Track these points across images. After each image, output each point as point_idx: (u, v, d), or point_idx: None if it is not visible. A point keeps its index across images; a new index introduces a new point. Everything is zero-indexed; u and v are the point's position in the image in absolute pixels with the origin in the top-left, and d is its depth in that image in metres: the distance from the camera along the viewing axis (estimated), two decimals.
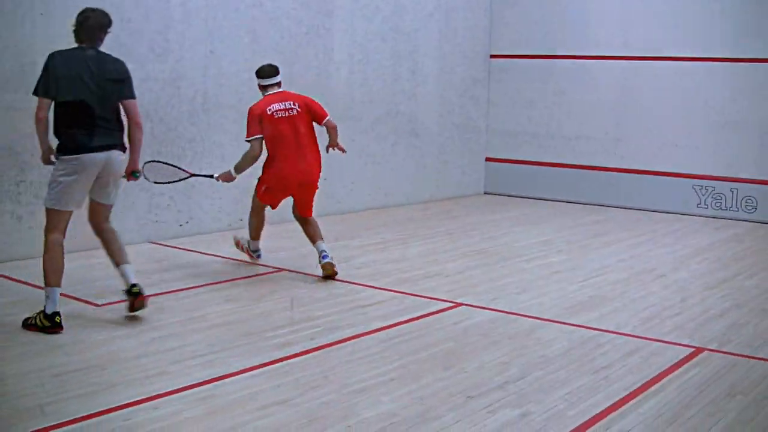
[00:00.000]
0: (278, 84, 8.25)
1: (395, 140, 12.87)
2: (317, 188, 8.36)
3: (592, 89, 13.51)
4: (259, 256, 8.72)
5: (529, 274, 8.60)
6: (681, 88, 12.67)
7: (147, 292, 6.86)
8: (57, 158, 6.47)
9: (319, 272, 8.21)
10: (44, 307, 6.38)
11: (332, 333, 6.43)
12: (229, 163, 10.03)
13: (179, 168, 8.35)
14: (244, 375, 5.51)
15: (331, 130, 8.17)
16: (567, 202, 13.58)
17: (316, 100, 8.31)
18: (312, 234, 8.28)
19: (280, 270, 8.47)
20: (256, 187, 8.38)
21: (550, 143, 13.94)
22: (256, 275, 8.24)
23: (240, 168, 8.19)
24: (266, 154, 8.17)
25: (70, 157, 6.40)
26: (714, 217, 12.33)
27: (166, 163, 8.33)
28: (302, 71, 11.26)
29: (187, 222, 10.03)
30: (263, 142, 8.03)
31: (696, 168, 12.58)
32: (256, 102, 8.22)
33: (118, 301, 7.12)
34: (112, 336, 6.26)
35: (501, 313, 7.09)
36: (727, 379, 5.64)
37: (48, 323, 6.32)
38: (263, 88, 8.28)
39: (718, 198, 12.38)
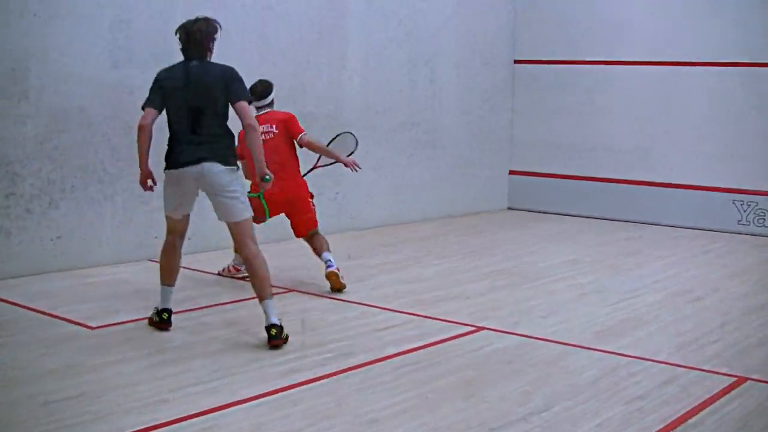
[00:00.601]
0: (270, 104, 8.66)
1: (412, 152, 12.85)
2: (309, 203, 8.63)
3: (622, 97, 13.47)
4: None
5: (556, 296, 8.56)
6: (718, 94, 12.61)
7: (140, 314, 7.02)
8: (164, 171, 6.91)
9: (332, 293, 8.22)
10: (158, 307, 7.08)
11: (344, 359, 6.40)
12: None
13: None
14: (249, 403, 5.48)
15: (312, 148, 8.64)
16: (596, 218, 13.53)
17: (295, 117, 8.67)
18: (318, 246, 8.54)
19: (290, 290, 8.45)
20: None
21: (578, 155, 13.89)
22: None
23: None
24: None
25: (167, 171, 6.84)
26: (756, 235, 12.25)
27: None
28: (314, 78, 11.26)
29: (189, 238, 9.96)
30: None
31: (736, 181, 12.50)
32: None
33: (114, 324, 7.11)
34: (107, 361, 6.24)
35: (525, 338, 7.05)
36: None
37: (157, 318, 7.04)
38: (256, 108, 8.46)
39: (761, 214, 12.30)
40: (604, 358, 6.58)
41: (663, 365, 6.43)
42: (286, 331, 6.72)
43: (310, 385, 5.85)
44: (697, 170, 12.82)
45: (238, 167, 6.91)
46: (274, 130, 8.49)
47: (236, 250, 8.71)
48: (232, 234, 7.01)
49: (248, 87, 7.65)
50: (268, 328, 6.71)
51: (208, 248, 10.09)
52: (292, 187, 8.53)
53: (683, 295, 8.66)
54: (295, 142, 8.56)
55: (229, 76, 6.85)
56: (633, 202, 13.33)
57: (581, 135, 13.86)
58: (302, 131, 8.55)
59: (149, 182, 6.92)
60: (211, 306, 7.81)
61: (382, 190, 12.43)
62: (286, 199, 8.47)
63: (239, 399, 5.55)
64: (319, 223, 8.72)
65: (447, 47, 13.23)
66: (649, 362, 6.49)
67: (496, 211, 14.34)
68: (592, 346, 6.86)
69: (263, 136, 8.16)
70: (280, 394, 5.67)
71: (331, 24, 11.44)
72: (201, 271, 9.16)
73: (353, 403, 5.53)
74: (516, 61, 14.39)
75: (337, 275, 8.34)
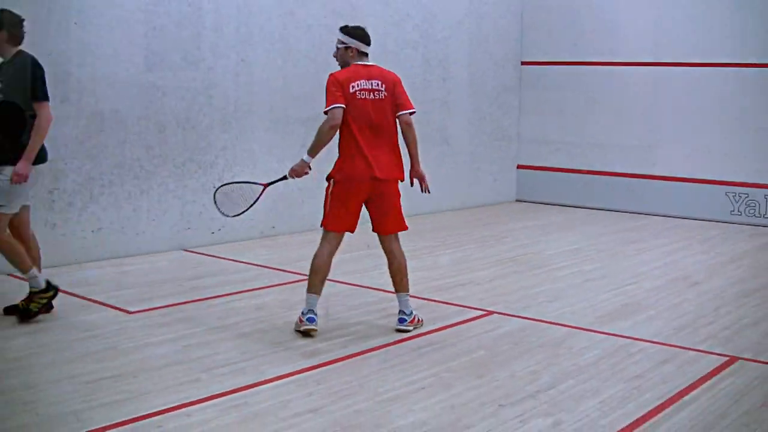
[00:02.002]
0: (367, 55, 6.78)
1: (426, 148, 12.79)
2: (399, 192, 6.76)
3: (624, 96, 13.44)
4: (310, 320, 6.56)
5: (561, 282, 8.57)
6: (714, 94, 12.58)
7: (175, 300, 7.14)
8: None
9: (352, 280, 8.25)
10: (34, 288, 6.78)
11: (364, 341, 6.43)
12: (262, 171, 10.08)
13: (249, 182, 7.00)
14: (276, 383, 5.53)
15: (411, 136, 6.75)
16: (599, 209, 13.51)
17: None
18: (394, 276, 6.82)
19: None
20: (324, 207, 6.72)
21: (581, 150, 13.88)
22: (288, 283, 8.26)
23: (314, 147, 6.50)
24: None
25: (36, 166, 6.72)
26: (748, 224, 12.22)
27: (233, 183, 7.04)
28: None
29: (219, 229, 10.07)
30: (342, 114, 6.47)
31: (730, 175, 12.48)
32: (337, 71, 6.67)
33: (150, 309, 7.17)
34: (143, 343, 6.30)
35: (533, 322, 7.07)
36: (762, 388, 5.59)
37: (51, 293, 6.81)
38: (358, 54, 6.72)
39: (752, 205, 12.28)
40: (606, 339, 6.59)
41: (661, 346, 6.44)
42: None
43: (332, 365, 5.89)
44: (694, 165, 12.79)
45: None
46: (384, 92, 6.60)
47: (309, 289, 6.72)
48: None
49: (352, 34, 6.76)
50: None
51: (235, 239, 10.15)
52: (387, 170, 6.62)
53: (680, 281, 8.66)
54: (399, 115, 6.66)
55: (24, 69, 6.67)
56: (634, 194, 13.31)
57: (585, 131, 13.84)
58: (413, 107, 6.71)
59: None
60: (239, 292, 7.85)
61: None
62: (371, 177, 6.53)
63: (266, 378, 5.59)
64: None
65: (458, 49, 13.22)
66: (648, 343, 6.50)
67: (505, 203, 14.33)
68: (594, 329, 6.88)
69: (370, 95, 6.55)
70: (304, 374, 5.70)
71: None
72: (229, 260, 9.21)
73: (373, 382, 5.57)
74: (523, 63, 14.37)
75: (404, 331, 6.72)
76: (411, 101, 6.73)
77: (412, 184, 6.85)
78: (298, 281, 8.32)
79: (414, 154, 6.76)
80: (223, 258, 9.32)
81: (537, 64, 14.27)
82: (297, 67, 10.79)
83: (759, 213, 12.24)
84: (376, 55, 11.75)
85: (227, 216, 6.90)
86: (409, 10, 12.31)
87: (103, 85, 8.93)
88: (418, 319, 6.85)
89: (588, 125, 13.81)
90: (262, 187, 6.84)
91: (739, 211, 12.40)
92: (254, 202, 6.85)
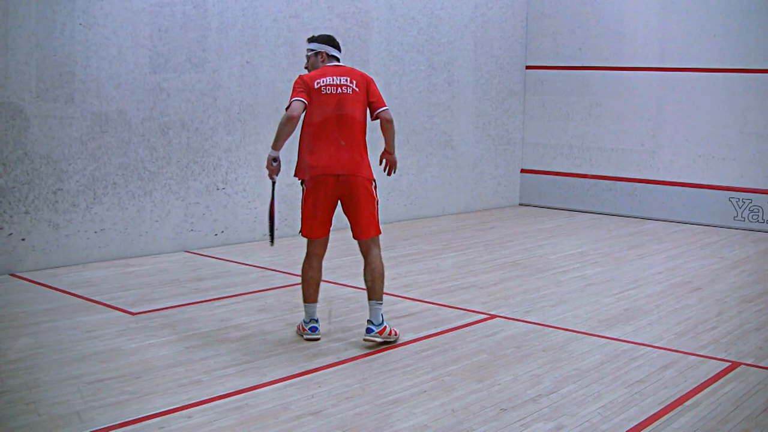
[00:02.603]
0: (338, 59, 6.68)
1: (431, 152, 12.87)
2: (372, 193, 6.50)
3: (628, 100, 13.44)
4: (313, 330, 6.59)
5: (564, 286, 8.55)
6: (718, 99, 12.58)
7: (177, 301, 6.97)
8: None
9: (354, 283, 8.24)
10: None
11: (365, 344, 6.41)
12: (265, 173, 10.08)
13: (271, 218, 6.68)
14: (277, 385, 5.52)
15: (389, 130, 6.59)
16: (602, 214, 13.51)
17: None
18: (366, 281, 6.57)
19: None
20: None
21: (585, 155, 13.88)
22: (290, 285, 8.24)
23: (276, 140, 6.46)
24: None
25: None
26: (751, 230, 12.20)
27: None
28: None
29: (222, 231, 10.07)
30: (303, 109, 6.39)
31: (733, 180, 12.47)
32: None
33: (153, 310, 7.17)
34: (146, 345, 6.29)
35: (535, 326, 7.06)
36: (764, 394, 5.57)
37: None
38: (328, 58, 6.66)
39: (755, 211, 12.26)
40: (608, 344, 6.58)
41: (663, 351, 6.43)
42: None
43: (334, 368, 5.88)
44: (697, 170, 12.80)
45: None
46: (354, 87, 6.47)
47: (305, 299, 6.69)
48: None
49: (319, 40, 6.67)
50: None
51: (238, 240, 10.15)
52: (352, 166, 6.42)
53: (683, 286, 8.64)
54: (379, 113, 6.52)
55: None
56: (637, 199, 13.32)
57: (588, 136, 13.85)
58: (386, 105, 6.57)
59: None
60: (241, 294, 7.85)
61: (402, 188, 12.45)
62: (338, 174, 6.37)
63: (267, 381, 5.59)
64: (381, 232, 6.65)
65: (464, 53, 13.23)
66: (650, 348, 6.49)
67: (509, 207, 14.33)
68: (597, 333, 6.86)
69: (336, 89, 6.40)
70: (305, 376, 5.69)
71: (355, 31, 11.45)
72: (232, 261, 9.21)
73: (375, 385, 5.56)
74: (528, 67, 14.38)
75: (370, 340, 6.41)
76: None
77: (380, 162, 6.74)
78: (300, 284, 8.30)
79: (390, 144, 6.64)
80: (226, 260, 9.32)
81: (542, 68, 14.27)
82: (302, 70, 10.77)
83: (762, 219, 12.22)
84: (381, 58, 11.85)
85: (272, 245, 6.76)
86: (415, 14, 12.32)
87: (107, 86, 8.93)
88: (391, 331, 6.49)
89: (592, 130, 13.82)
90: (270, 207, 6.68)
91: (742, 216, 12.39)
92: (272, 221, 6.61)
